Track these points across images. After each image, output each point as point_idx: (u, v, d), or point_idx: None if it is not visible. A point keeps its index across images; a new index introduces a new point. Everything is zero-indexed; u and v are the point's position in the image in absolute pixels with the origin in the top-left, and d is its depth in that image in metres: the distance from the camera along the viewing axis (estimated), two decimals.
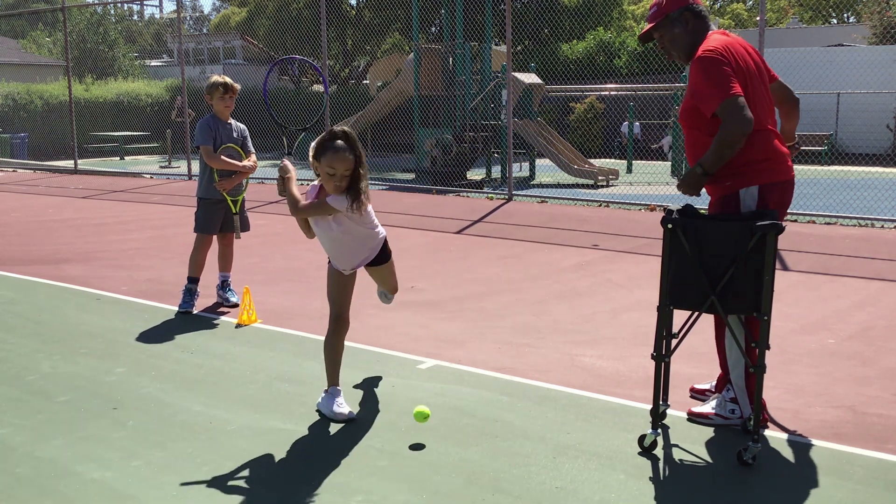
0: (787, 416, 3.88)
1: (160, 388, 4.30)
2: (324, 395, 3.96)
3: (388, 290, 4.42)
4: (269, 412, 3.94)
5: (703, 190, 3.69)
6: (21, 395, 4.20)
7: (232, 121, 5.99)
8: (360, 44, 30.76)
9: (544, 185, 15.36)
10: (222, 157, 5.82)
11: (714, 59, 3.51)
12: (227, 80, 5.89)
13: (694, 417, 3.82)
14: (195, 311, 5.86)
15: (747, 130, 3.41)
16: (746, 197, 3.57)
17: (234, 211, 5.96)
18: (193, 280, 5.96)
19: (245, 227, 6.07)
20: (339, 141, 3.67)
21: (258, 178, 14.55)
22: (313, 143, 3.73)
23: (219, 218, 5.99)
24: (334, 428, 3.77)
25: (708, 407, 3.83)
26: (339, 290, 3.97)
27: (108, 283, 6.84)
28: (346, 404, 3.91)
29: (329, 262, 4.00)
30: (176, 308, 5.89)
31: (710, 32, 3.70)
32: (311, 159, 3.70)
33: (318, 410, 3.96)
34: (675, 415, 3.86)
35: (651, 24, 3.79)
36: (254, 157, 6.05)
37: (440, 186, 13.33)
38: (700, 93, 3.54)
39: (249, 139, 6.08)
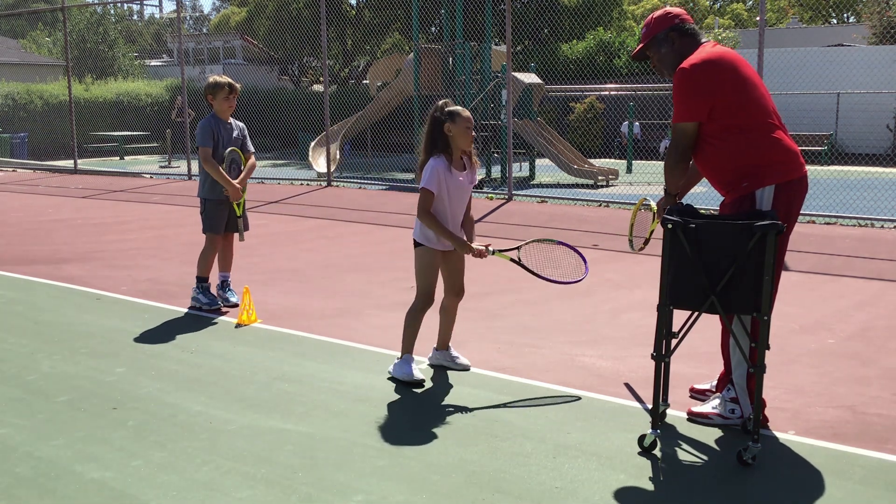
0: (787, 416, 3.88)
1: (160, 388, 4.30)
2: (399, 361, 4.40)
3: (456, 288, 4.57)
4: (269, 412, 3.94)
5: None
6: (21, 395, 4.20)
7: (232, 120, 6.00)
8: (360, 44, 30.78)
9: (544, 185, 15.36)
10: (221, 168, 5.78)
11: (688, 73, 3.61)
12: (230, 80, 5.90)
13: (694, 417, 3.83)
14: (194, 312, 5.86)
15: (682, 160, 3.72)
16: (763, 197, 3.58)
17: (238, 213, 5.96)
18: (203, 279, 5.95)
19: (245, 226, 6.07)
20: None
21: (258, 179, 14.57)
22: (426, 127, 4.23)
23: (224, 217, 5.99)
24: (334, 428, 3.77)
25: (708, 406, 3.84)
26: (434, 270, 4.39)
27: (108, 283, 6.84)
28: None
29: (420, 245, 4.34)
30: (176, 308, 5.90)
31: (700, 46, 3.74)
32: (446, 126, 4.22)
33: (390, 378, 4.39)
34: (675, 415, 3.87)
35: (642, 45, 3.92)
36: (253, 157, 6.06)
37: None
38: (674, 103, 3.70)
39: (249, 139, 6.08)
